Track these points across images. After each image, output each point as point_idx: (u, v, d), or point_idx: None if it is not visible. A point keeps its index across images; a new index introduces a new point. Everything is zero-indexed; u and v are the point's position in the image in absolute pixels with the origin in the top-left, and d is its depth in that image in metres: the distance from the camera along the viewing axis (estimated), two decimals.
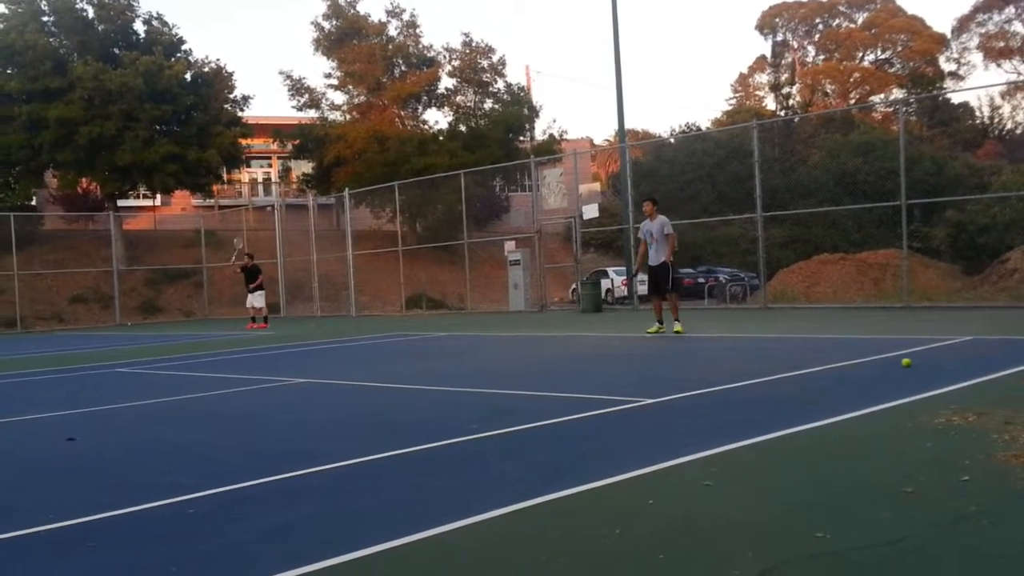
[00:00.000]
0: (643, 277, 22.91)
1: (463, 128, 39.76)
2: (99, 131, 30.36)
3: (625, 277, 24.42)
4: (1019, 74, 51.72)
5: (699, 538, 3.24)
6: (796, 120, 41.99)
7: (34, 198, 37.31)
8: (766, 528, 3.32)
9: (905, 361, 7.48)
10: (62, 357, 15.24)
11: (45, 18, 32.03)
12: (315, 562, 3.14)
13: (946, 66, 55.59)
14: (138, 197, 41.24)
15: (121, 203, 36.71)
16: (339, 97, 40.45)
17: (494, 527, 3.51)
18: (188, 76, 33.26)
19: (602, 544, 3.22)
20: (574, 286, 26.08)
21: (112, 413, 7.69)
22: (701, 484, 3.98)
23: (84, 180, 35.91)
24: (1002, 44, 52.16)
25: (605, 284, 26.98)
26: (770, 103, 57.03)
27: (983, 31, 53.43)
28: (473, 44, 39.87)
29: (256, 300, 21.51)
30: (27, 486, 4.90)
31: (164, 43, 32.89)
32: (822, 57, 57.55)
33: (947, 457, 4.26)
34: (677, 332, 12.31)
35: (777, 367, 7.95)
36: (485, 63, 39.90)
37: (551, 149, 37.86)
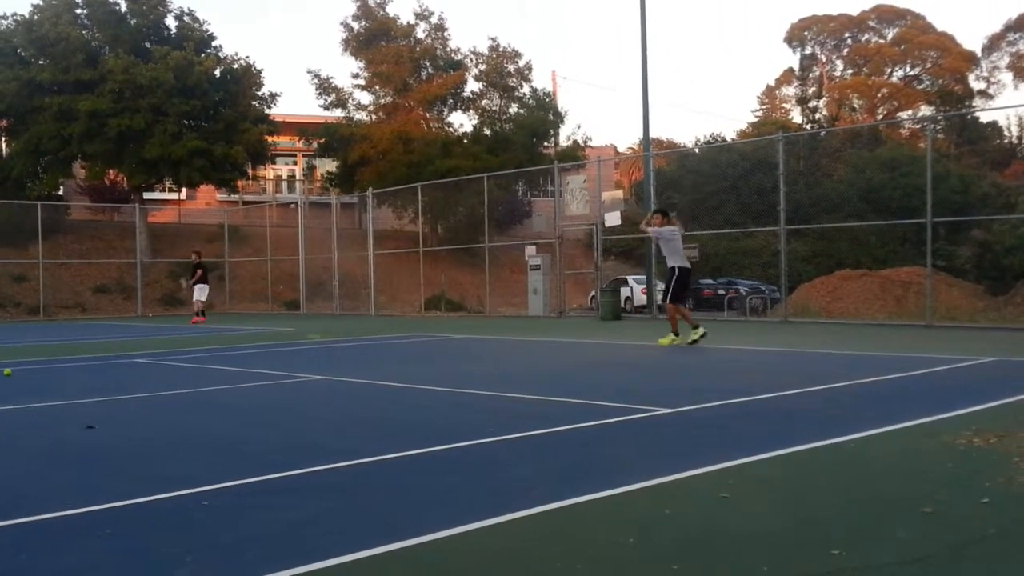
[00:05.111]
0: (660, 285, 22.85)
1: (488, 132, 39.84)
2: (128, 124, 30.65)
3: (644, 286, 24.38)
4: None
5: (714, 550, 3.23)
6: (822, 134, 41.74)
7: (61, 188, 37.69)
8: (782, 542, 3.30)
9: None
10: (83, 346, 15.37)
11: (78, 11, 32.38)
12: (330, 558, 3.15)
13: (975, 84, 55.28)
14: (164, 190, 41.60)
15: (147, 196, 37.03)
16: (365, 97, 40.74)
17: (509, 530, 3.51)
18: (217, 72, 33.52)
19: (617, 552, 3.21)
20: (593, 293, 26.05)
21: (131, 403, 7.76)
22: (718, 496, 3.96)
23: (111, 172, 36.27)
24: None
25: (625, 292, 26.92)
26: (796, 116, 56.81)
27: (1014, 50, 53.09)
28: (500, 48, 40.03)
29: (199, 293, 23.12)
30: (45, 472, 4.95)
31: (195, 39, 33.17)
32: (850, 72, 57.26)
33: (967, 478, 4.22)
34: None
35: (797, 381, 7.91)
36: (511, 68, 39.99)
37: (575, 155, 37.84)
